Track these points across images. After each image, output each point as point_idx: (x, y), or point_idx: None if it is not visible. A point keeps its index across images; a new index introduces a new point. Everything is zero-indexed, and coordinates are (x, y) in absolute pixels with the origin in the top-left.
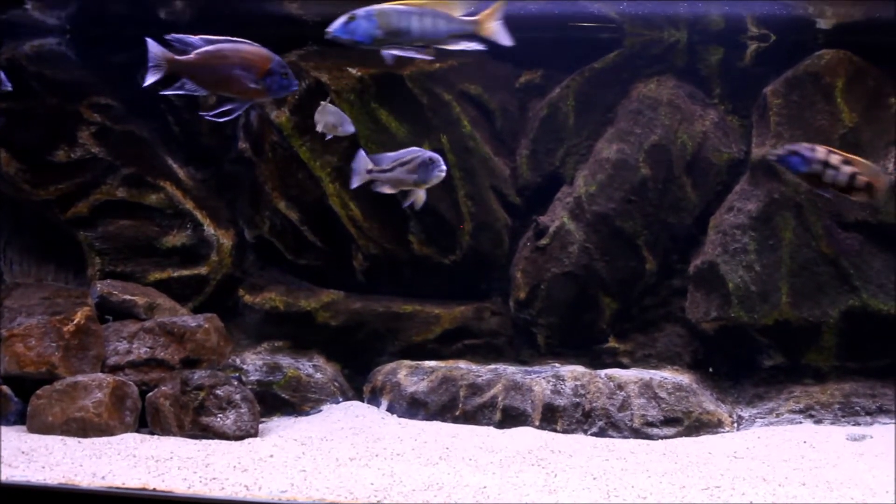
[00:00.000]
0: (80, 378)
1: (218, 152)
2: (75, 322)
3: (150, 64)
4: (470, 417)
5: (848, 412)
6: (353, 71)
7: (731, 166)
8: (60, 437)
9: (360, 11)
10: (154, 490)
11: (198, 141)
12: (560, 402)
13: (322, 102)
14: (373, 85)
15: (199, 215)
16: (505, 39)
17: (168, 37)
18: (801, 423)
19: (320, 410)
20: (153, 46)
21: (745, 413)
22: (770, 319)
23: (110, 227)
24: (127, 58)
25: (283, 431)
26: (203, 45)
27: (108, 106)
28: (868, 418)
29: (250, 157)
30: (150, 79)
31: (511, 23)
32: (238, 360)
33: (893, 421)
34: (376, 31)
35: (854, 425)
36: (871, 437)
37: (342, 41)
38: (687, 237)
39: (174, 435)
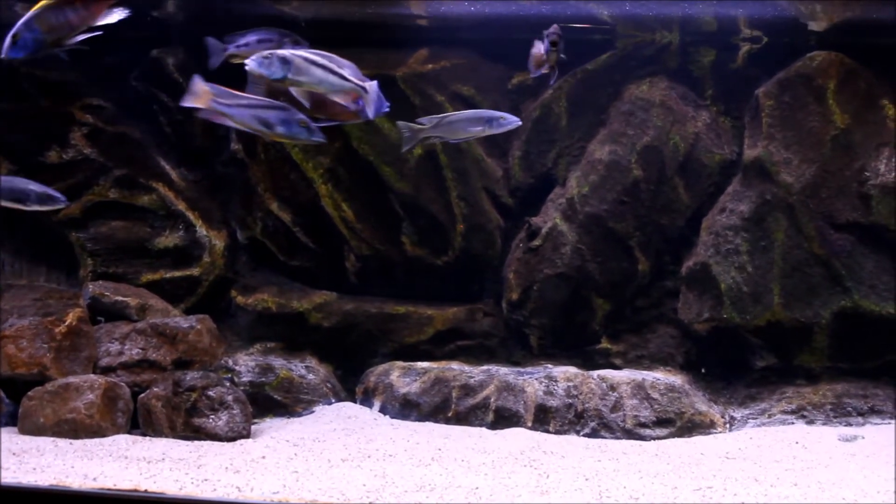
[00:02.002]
0: (71, 379)
1: (210, 153)
2: (67, 323)
3: (249, 84)
4: (462, 418)
5: (840, 413)
6: None
7: (723, 167)
8: (52, 439)
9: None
10: (146, 491)
11: (190, 142)
12: (552, 403)
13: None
14: None
15: (191, 216)
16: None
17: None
18: (793, 423)
19: (313, 411)
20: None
21: (738, 414)
22: (762, 320)
23: (102, 228)
24: (119, 59)
25: (275, 433)
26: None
27: (101, 107)
28: (860, 419)
29: (243, 158)
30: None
31: (504, 24)
32: (230, 362)
33: (885, 421)
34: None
35: (846, 426)
36: (863, 438)
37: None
38: (679, 238)
39: (166, 436)
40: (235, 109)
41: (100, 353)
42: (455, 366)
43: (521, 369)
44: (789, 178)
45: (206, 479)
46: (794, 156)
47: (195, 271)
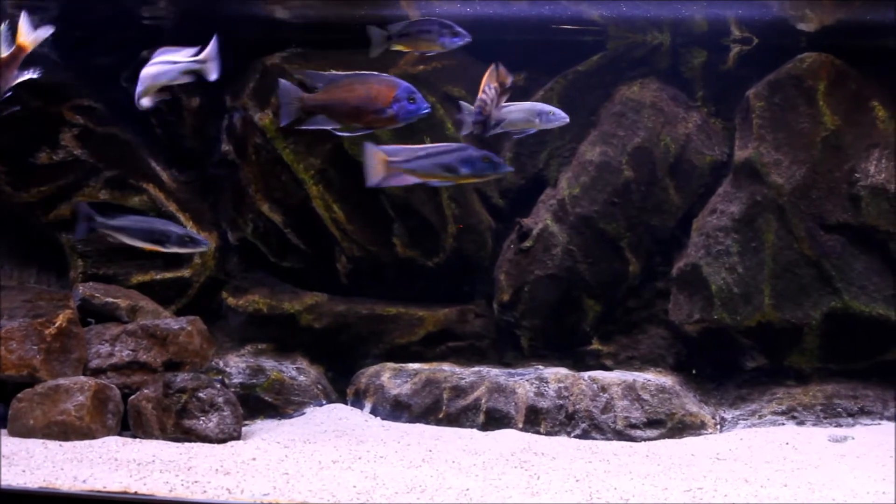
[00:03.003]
0: (61, 381)
1: (201, 154)
2: (57, 325)
3: (283, 103)
4: (453, 420)
5: (830, 413)
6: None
7: (714, 169)
8: (41, 441)
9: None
10: (136, 493)
11: (181, 143)
12: (543, 404)
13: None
14: None
15: (182, 217)
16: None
17: (301, 73)
18: (783, 424)
19: (304, 413)
20: (285, 86)
21: (728, 415)
22: (753, 321)
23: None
24: (110, 60)
25: (266, 434)
26: (332, 79)
27: (91, 108)
28: (850, 419)
29: (234, 159)
30: (285, 120)
31: (495, 25)
32: (221, 363)
33: (875, 422)
34: None
35: (836, 426)
36: (853, 439)
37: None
38: (670, 239)
39: (156, 438)
40: (416, 163)
41: (90, 354)
42: (446, 367)
43: (512, 370)
44: (780, 180)
45: (196, 481)
46: (784, 157)
47: (186, 273)
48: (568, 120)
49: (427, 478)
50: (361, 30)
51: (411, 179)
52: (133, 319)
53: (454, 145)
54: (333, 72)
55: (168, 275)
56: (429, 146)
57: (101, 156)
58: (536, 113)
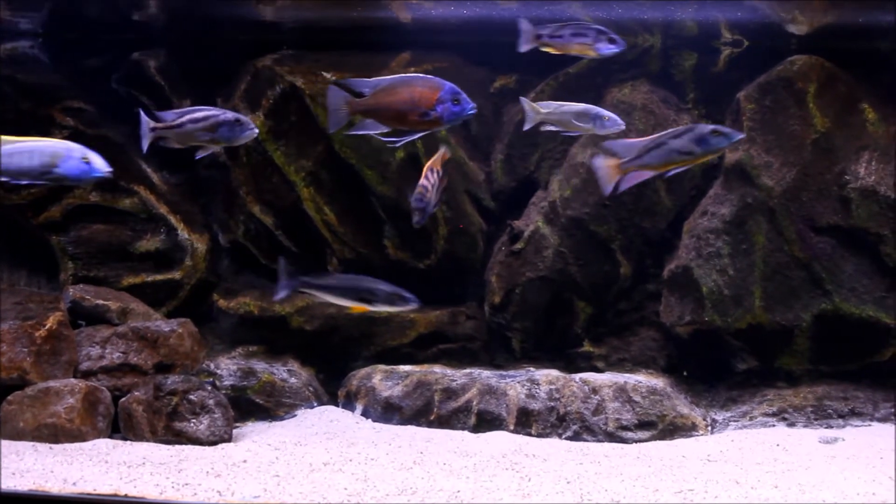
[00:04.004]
0: (51, 384)
1: (192, 156)
2: (47, 327)
3: (331, 109)
4: (445, 422)
5: (820, 415)
6: (327, 75)
7: (704, 171)
8: (32, 444)
9: None
10: (126, 496)
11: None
12: (535, 406)
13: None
14: None
15: (173, 220)
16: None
17: (344, 81)
18: (774, 426)
19: (294, 415)
20: (333, 92)
21: (719, 416)
22: (743, 323)
23: (83, 231)
24: (100, 62)
25: (257, 436)
26: (378, 83)
27: (81, 110)
28: (840, 421)
29: (225, 161)
30: (333, 126)
31: (486, 27)
32: (212, 365)
33: (865, 424)
34: None
35: (826, 428)
36: (843, 440)
37: None
38: (661, 241)
39: (147, 440)
40: (648, 157)
41: (80, 356)
42: (437, 369)
43: (504, 372)
44: (770, 182)
45: (186, 484)
46: (774, 159)
47: (177, 275)
48: (623, 126)
49: (418, 480)
50: (353, 31)
51: (647, 175)
52: (124, 322)
53: (681, 128)
54: (379, 78)
55: (159, 277)
56: (655, 135)
57: None
58: (591, 116)
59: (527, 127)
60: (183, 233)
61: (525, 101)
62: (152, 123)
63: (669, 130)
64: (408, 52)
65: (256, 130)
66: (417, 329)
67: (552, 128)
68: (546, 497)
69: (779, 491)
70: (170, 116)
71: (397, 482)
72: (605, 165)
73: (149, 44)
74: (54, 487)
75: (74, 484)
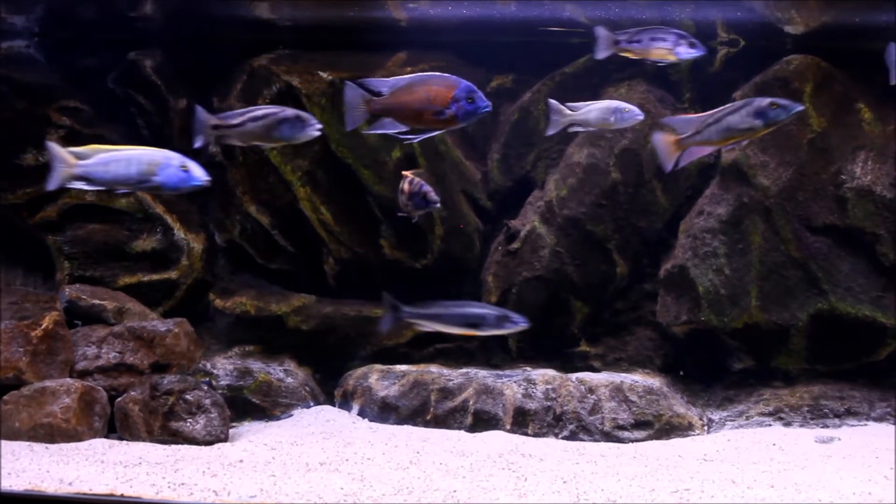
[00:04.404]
0: (47, 383)
1: (188, 156)
2: (43, 327)
3: (349, 108)
4: (441, 421)
5: (817, 414)
6: (323, 75)
7: (701, 170)
8: (27, 443)
9: None
10: (122, 496)
11: (168, 145)
12: (531, 405)
13: None
14: None
15: (169, 219)
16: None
17: (362, 81)
18: (770, 425)
19: (291, 415)
20: (351, 91)
21: (716, 416)
22: (740, 323)
23: (79, 231)
24: (96, 61)
25: (253, 436)
26: (395, 83)
27: (77, 109)
28: (836, 420)
29: (221, 161)
30: (350, 125)
31: (483, 27)
32: (208, 365)
33: (862, 423)
34: None
35: (823, 427)
36: (840, 440)
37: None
38: (657, 241)
39: (143, 440)
40: (707, 132)
41: (76, 356)
42: (434, 369)
43: (500, 372)
44: (766, 181)
45: (182, 483)
46: (770, 159)
47: (173, 274)
48: (643, 117)
49: (414, 479)
50: (349, 30)
51: (707, 150)
52: (120, 321)
53: (739, 102)
54: (397, 77)
55: (155, 277)
56: (713, 110)
57: None
58: (612, 111)
59: (551, 132)
60: (179, 232)
61: (554, 104)
62: (214, 121)
63: (728, 105)
64: (404, 52)
65: (320, 126)
66: (414, 329)
67: (579, 128)
68: (542, 497)
69: (775, 490)
70: (230, 115)
71: (394, 482)
72: (664, 141)
73: (145, 43)
74: (50, 487)
75: (70, 484)
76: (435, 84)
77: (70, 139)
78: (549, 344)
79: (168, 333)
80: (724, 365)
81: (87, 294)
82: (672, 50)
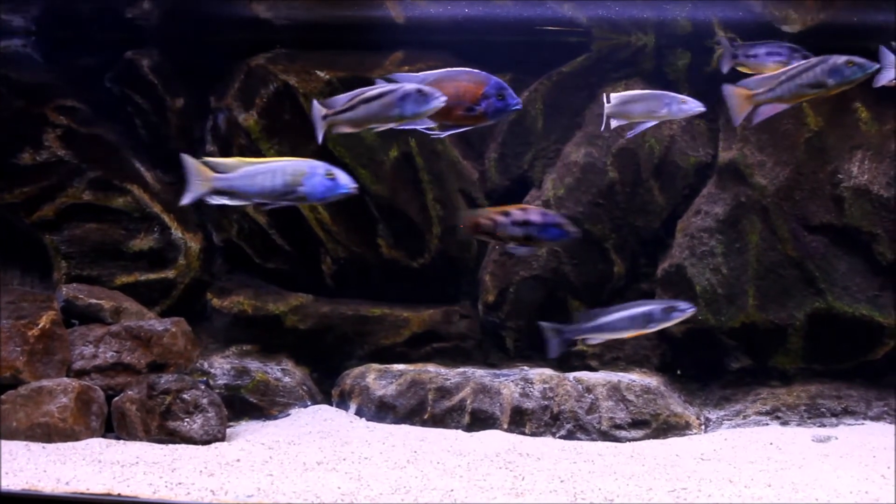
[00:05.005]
0: (45, 383)
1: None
2: (40, 326)
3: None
4: (438, 421)
5: (814, 414)
6: (321, 74)
7: (698, 170)
8: (24, 443)
9: None
10: (119, 495)
11: (165, 144)
12: (528, 405)
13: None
14: (341, 88)
15: (166, 218)
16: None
17: (393, 76)
18: (767, 424)
19: (288, 414)
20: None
21: (713, 415)
22: (737, 322)
23: (76, 230)
24: (94, 60)
25: (250, 435)
26: (424, 78)
27: (75, 108)
28: (833, 419)
29: None
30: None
31: (480, 26)
32: (206, 364)
33: (859, 422)
34: None
35: (820, 427)
36: (837, 439)
37: None
38: (655, 240)
39: (140, 440)
40: (780, 89)
41: (73, 356)
42: (431, 368)
43: (498, 371)
44: (763, 181)
45: (180, 483)
46: (768, 158)
47: (170, 274)
48: (704, 109)
49: (412, 479)
50: (347, 30)
51: (780, 107)
52: (117, 321)
53: (814, 59)
54: (425, 73)
55: (152, 276)
56: (787, 68)
57: (84, 156)
58: (665, 102)
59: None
60: (176, 232)
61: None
62: (324, 111)
63: (802, 62)
64: (401, 51)
65: (444, 98)
66: (411, 328)
67: (622, 122)
68: (539, 496)
69: (772, 489)
70: (340, 101)
71: (391, 481)
72: (737, 95)
73: (142, 42)
74: (47, 487)
75: (67, 483)
76: (465, 80)
77: (67, 138)
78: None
79: (165, 333)
80: (722, 364)
81: (84, 293)
82: (787, 63)
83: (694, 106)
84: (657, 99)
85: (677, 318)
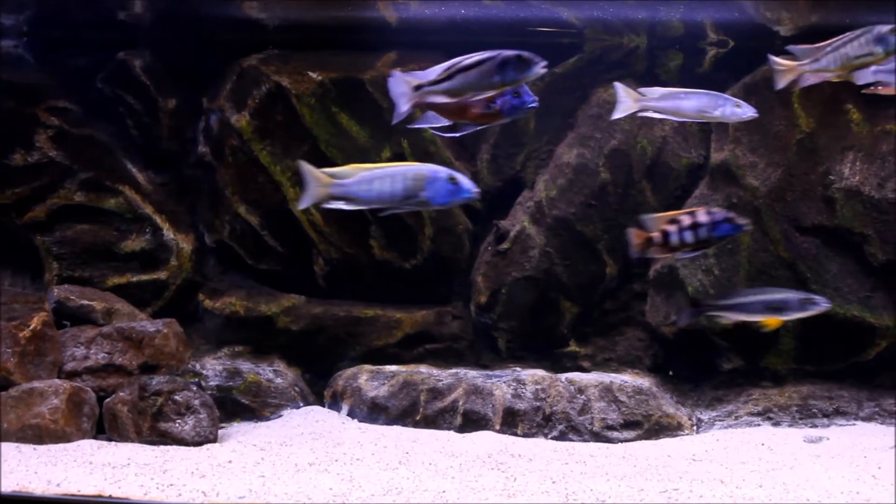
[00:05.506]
0: (36, 384)
1: (178, 156)
2: (32, 328)
3: (394, 101)
4: (431, 422)
5: (805, 414)
6: (313, 75)
7: (690, 171)
8: (15, 445)
9: None
10: (110, 497)
11: (157, 145)
12: (521, 406)
13: None
14: (333, 89)
15: (158, 220)
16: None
17: (407, 73)
18: (759, 425)
19: (280, 416)
20: (396, 83)
21: (705, 416)
22: (729, 323)
23: (68, 231)
24: (85, 61)
25: (242, 437)
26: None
27: (66, 109)
28: (825, 420)
29: (210, 161)
30: (397, 118)
31: (472, 27)
32: (198, 366)
33: (850, 423)
34: None
35: (811, 427)
36: (828, 439)
37: None
38: None
39: (132, 441)
40: (826, 59)
41: (65, 357)
42: (423, 369)
43: (490, 372)
44: (755, 182)
45: (171, 484)
46: (759, 159)
47: (162, 275)
48: (757, 115)
49: (404, 480)
50: (339, 31)
51: (825, 77)
52: (109, 322)
53: (858, 30)
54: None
55: (144, 277)
56: (833, 39)
57: (76, 157)
58: (719, 103)
59: (614, 116)
60: (168, 233)
61: (619, 87)
62: (415, 82)
63: (847, 33)
64: (394, 52)
65: (544, 64)
66: (403, 329)
67: (654, 114)
68: (531, 497)
69: (763, 490)
70: (432, 73)
71: (383, 482)
72: (781, 64)
73: (134, 43)
74: (38, 488)
75: (58, 485)
76: None
77: (59, 139)
78: (539, 344)
79: (157, 334)
80: (714, 365)
81: (75, 294)
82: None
83: (748, 110)
84: (711, 98)
85: (811, 311)
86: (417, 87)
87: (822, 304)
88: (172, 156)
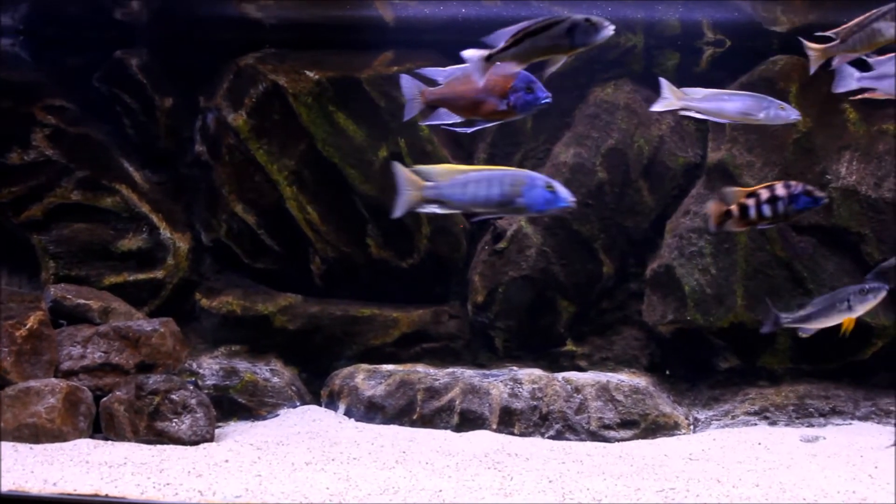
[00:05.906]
0: (32, 383)
1: (174, 155)
2: (28, 327)
3: (407, 98)
4: (427, 421)
5: (802, 414)
6: (310, 74)
7: (687, 170)
8: (12, 444)
9: None
10: (107, 496)
11: (154, 144)
12: (517, 405)
13: None
14: (330, 88)
15: (155, 218)
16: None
17: (418, 70)
18: (756, 424)
19: (277, 415)
20: (407, 81)
21: (702, 415)
22: (725, 322)
23: (65, 230)
24: (82, 60)
25: (239, 436)
26: (451, 73)
27: (63, 108)
28: (821, 419)
29: (207, 160)
30: (408, 114)
31: (469, 26)
32: (194, 365)
33: (846, 422)
34: None
35: (808, 427)
36: (825, 439)
37: None
38: (644, 241)
39: (128, 440)
40: (853, 39)
41: (61, 356)
42: (420, 368)
43: (487, 371)
44: (752, 181)
45: (168, 484)
46: (756, 158)
47: (159, 274)
48: (800, 117)
49: (400, 479)
50: (336, 30)
51: (854, 55)
52: (105, 321)
53: (884, 7)
54: (452, 67)
55: (141, 276)
56: (859, 18)
57: (73, 156)
58: (763, 106)
59: (656, 108)
60: (165, 232)
61: (665, 82)
62: (485, 53)
63: (874, 11)
64: (391, 51)
65: (612, 28)
66: (400, 328)
67: (696, 114)
68: (528, 496)
69: (760, 489)
70: (499, 40)
71: (379, 481)
72: (811, 48)
73: (131, 42)
74: (34, 488)
75: (55, 484)
76: (493, 73)
77: (56, 138)
78: (536, 343)
79: (154, 333)
80: (710, 364)
81: (72, 294)
82: None
83: (792, 113)
84: (755, 101)
85: (872, 301)
86: (489, 57)
87: (882, 289)
88: (169, 155)
